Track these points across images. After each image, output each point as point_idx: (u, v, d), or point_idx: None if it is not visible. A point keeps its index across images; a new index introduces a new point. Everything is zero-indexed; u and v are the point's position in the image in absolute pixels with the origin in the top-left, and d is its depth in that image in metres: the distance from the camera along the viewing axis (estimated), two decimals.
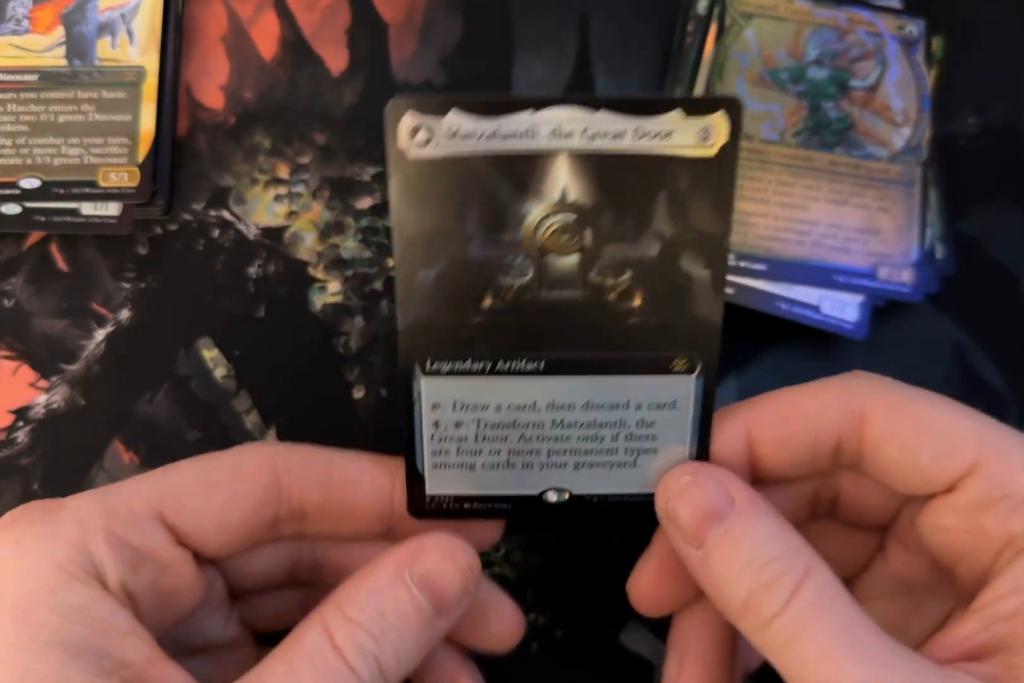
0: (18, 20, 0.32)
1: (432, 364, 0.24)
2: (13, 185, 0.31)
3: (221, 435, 0.32)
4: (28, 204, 0.31)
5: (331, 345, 0.32)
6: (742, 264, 0.32)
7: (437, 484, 0.25)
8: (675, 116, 0.22)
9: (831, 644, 0.20)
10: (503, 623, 0.26)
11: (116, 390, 0.32)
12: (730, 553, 0.22)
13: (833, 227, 0.32)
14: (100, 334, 0.32)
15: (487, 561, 0.32)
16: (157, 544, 0.22)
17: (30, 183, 0.31)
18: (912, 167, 0.33)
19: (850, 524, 0.27)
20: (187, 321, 0.32)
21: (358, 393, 0.32)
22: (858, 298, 0.32)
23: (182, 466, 0.24)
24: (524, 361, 0.24)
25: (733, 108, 0.22)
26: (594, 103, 0.22)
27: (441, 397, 0.24)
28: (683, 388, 0.24)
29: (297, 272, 0.33)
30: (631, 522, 0.26)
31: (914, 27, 0.33)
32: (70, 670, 0.19)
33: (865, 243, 0.32)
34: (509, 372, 0.24)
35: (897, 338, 0.33)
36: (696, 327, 0.23)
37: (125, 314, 0.32)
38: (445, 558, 0.23)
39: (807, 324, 0.32)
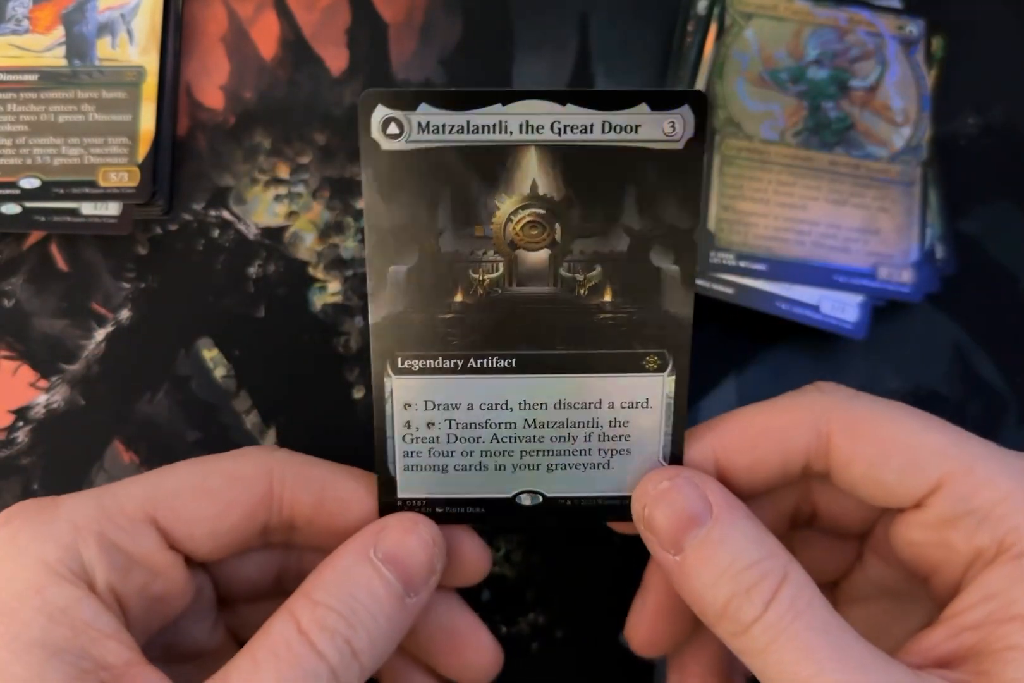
0: (18, 20, 0.32)
1: (403, 362, 0.24)
2: (13, 185, 0.31)
3: (221, 435, 0.32)
4: (28, 204, 0.31)
5: (331, 345, 0.32)
6: (742, 264, 0.32)
7: (408, 487, 0.24)
8: (642, 110, 0.22)
9: (810, 646, 0.20)
10: (478, 653, 0.26)
11: (116, 390, 0.32)
12: (708, 559, 0.22)
13: (833, 227, 0.32)
14: (100, 334, 0.32)
15: None
16: (148, 549, 0.22)
17: (30, 183, 0.31)
18: (912, 167, 0.33)
19: (829, 533, 0.27)
20: (187, 321, 0.32)
21: (358, 393, 0.32)
22: (858, 298, 0.32)
23: (179, 469, 0.24)
24: (496, 358, 0.24)
25: (699, 102, 0.22)
26: (563, 97, 0.22)
27: (412, 397, 0.24)
28: (655, 386, 0.24)
29: (297, 272, 0.33)
30: (606, 524, 0.26)
31: (914, 27, 0.33)
32: (49, 670, 0.19)
33: (865, 243, 0.32)
34: (481, 370, 0.24)
35: (897, 338, 0.33)
36: (667, 322, 0.24)
37: (125, 314, 0.32)
38: (407, 533, 0.23)
39: (807, 324, 0.32)
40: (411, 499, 0.24)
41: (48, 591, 0.20)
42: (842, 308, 0.32)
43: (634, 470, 0.24)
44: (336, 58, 0.34)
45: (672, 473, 0.23)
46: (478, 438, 0.24)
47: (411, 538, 0.23)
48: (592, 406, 0.24)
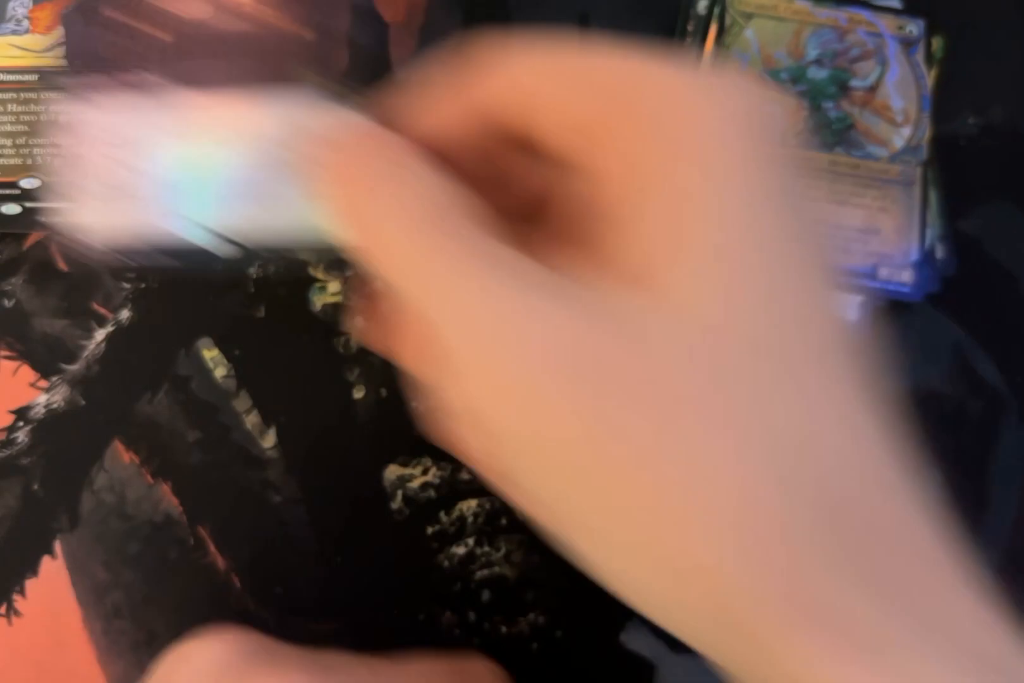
0: (18, 20, 0.32)
1: None
2: (13, 185, 0.31)
3: (221, 435, 0.32)
4: (28, 204, 0.31)
5: (331, 345, 0.32)
6: None
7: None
8: None
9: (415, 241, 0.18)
10: None
11: (116, 390, 0.32)
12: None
13: (833, 227, 0.32)
14: (100, 334, 0.32)
15: (488, 561, 0.32)
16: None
17: (30, 183, 0.31)
18: (912, 167, 0.33)
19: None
20: (187, 321, 0.32)
21: (358, 393, 0.32)
22: (858, 298, 0.32)
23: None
24: None
25: None
26: None
27: None
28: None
29: (297, 272, 0.33)
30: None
31: (914, 27, 0.33)
32: None
33: (865, 243, 0.32)
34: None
35: (897, 338, 0.33)
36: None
37: (125, 314, 0.32)
38: None
39: None
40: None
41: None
42: (842, 308, 0.32)
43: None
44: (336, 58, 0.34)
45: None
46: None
47: None
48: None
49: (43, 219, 0.31)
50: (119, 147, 0.22)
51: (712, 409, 0.16)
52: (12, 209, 0.31)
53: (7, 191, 0.31)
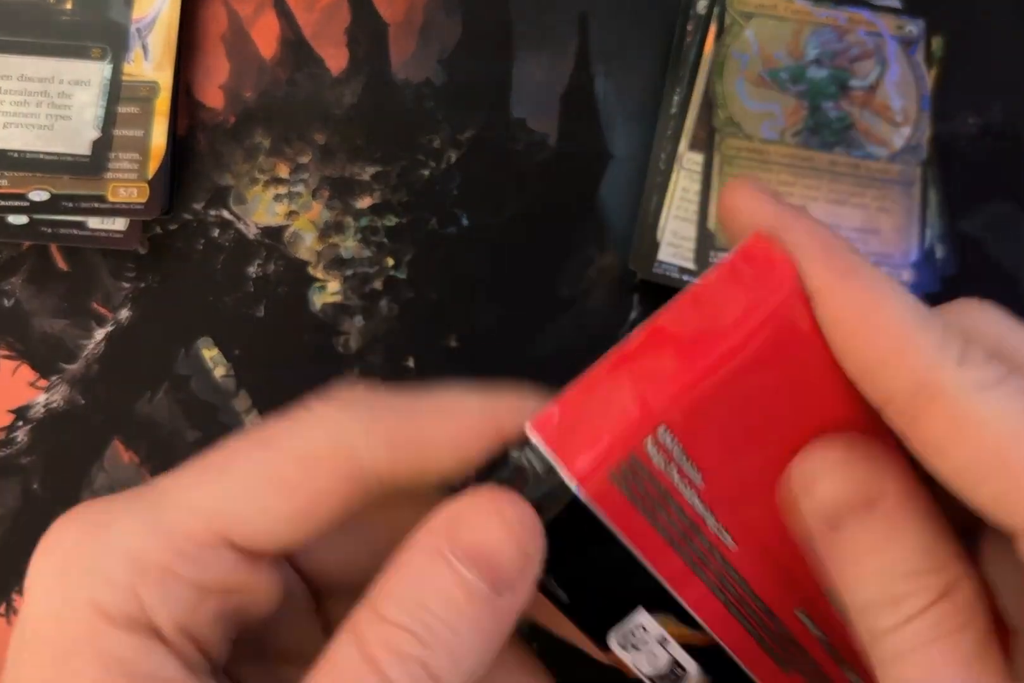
0: None
1: None
2: (22, 197, 0.31)
3: (221, 435, 0.32)
4: (35, 216, 0.31)
5: (331, 345, 0.33)
6: None
7: None
8: None
9: (937, 675, 0.17)
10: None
11: (116, 390, 0.32)
12: (864, 553, 0.19)
13: (833, 227, 0.32)
14: (100, 334, 0.32)
15: None
16: (223, 571, 0.19)
17: (39, 195, 0.31)
18: (912, 167, 0.33)
19: None
20: (187, 320, 0.32)
21: None
22: None
23: (240, 462, 0.20)
24: None
25: None
26: None
27: None
28: (96, 71, 0.30)
29: (297, 272, 0.33)
30: None
31: (914, 27, 0.33)
32: None
33: (865, 243, 0.32)
34: None
35: None
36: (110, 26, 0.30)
37: (125, 314, 0.32)
38: (491, 518, 0.18)
39: None
40: None
41: (103, 640, 0.17)
42: None
43: (73, 132, 0.31)
44: (336, 58, 0.34)
45: (848, 443, 0.19)
46: None
47: (493, 523, 0.18)
48: (45, 81, 0.30)
49: (48, 230, 0.31)
50: None
51: None
52: (19, 219, 0.31)
53: (16, 202, 0.31)
